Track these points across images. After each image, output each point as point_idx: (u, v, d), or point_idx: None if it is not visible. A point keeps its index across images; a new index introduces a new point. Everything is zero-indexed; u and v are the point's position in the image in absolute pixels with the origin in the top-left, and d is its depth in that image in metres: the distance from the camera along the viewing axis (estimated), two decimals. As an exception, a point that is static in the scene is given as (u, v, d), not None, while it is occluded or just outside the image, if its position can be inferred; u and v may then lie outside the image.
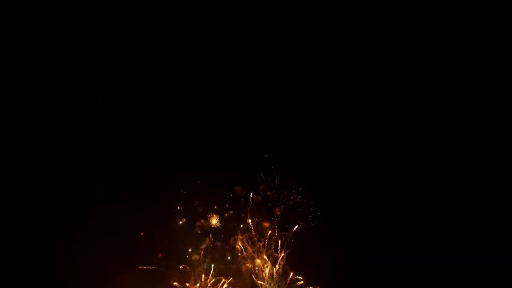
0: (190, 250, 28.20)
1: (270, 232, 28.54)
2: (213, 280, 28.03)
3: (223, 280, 28.05)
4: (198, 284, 27.95)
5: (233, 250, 28.54)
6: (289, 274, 28.38)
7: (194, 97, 30.81)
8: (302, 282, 28.27)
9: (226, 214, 28.65)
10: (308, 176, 29.17)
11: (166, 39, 30.11)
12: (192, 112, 30.82)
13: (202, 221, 28.38)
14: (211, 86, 30.86)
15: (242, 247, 28.46)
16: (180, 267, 28.05)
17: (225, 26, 30.01)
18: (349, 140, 30.91)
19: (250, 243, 28.47)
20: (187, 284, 27.92)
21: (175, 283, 27.90)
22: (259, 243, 28.42)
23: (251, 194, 28.67)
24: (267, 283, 28.32)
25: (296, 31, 30.47)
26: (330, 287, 28.74)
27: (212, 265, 28.13)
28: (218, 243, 28.46)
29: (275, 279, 28.31)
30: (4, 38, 28.81)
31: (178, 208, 28.58)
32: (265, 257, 28.38)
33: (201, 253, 28.12)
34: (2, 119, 29.18)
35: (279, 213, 28.76)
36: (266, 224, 28.65)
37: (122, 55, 30.08)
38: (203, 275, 28.04)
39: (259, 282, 28.33)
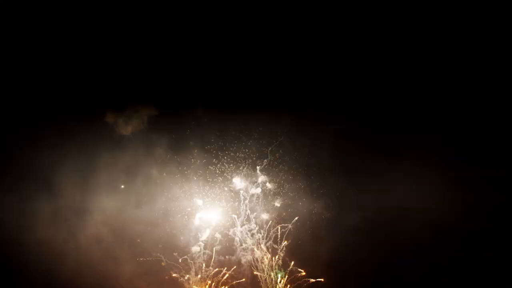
0: (190, 242, 28.51)
1: (269, 223, 28.93)
2: (214, 271, 28.37)
3: (223, 271, 28.37)
4: (199, 276, 28.24)
5: (232, 241, 28.86)
6: (289, 265, 28.66)
7: (194, 97, 31.12)
8: (304, 273, 28.58)
9: (226, 206, 29.03)
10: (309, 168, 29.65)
11: (166, 38, 30.63)
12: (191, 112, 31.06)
13: (203, 212, 28.77)
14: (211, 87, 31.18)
15: (242, 239, 28.81)
16: (180, 260, 28.34)
17: (224, 26, 30.61)
18: (349, 136, 31.00)
19: (249, 235, 28.83)
20: (187, 276, 28.22)
21: (175, 275, 28.17)
22: (258, 234, 28.79)
23: (251, 185, 29.15)
24: (267, 274, 28.58)
25: (296, 31, 30.85)
26: (331, 279, 28.85)
27: (213, 257, 28.44)
28: (218, 235, 28.77)
29: (274, 270, 28.57)
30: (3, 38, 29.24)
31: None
32: (264, 248, 28.72)
33: (202, 245, 28.47)
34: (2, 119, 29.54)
35: (278, 205, 29.18)
36: (265, 216, 29.02)
37: (122, 55, 30.48)
38: (203, 267, 28.34)
39: (258, 273, 28.61)
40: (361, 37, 30.21)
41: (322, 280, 28.38)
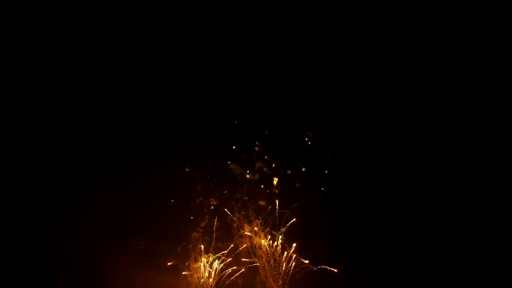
0: (189, 228, 28.72)
1: (268, 210, 29.08)
2: (213, 257, 28.26)
3: (222, 258, 28.25)
4: (199, 262, 28.13)
5: (230, 228, 28.95)
6: (287, 251, 28.46)
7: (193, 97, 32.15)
8: (307, 262, 28.37)
9: (224, 192, 29.41)
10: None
11: (164, 39, 32.09)
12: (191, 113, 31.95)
13: (201, 199, 29.17)
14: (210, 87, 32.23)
15: (240, 226, 28.90)
16: (179, 248, 28.42)
17: (224, 26, 31.30)
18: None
19: (247, 221, 28.94)
20: (186, 263, 28.15)
21: (170, 263, 28.15)
22: (256, 221, 28.87)
23: (248, 172, 29.65)
24: (265, 260, 28.35)
25: (296, 31, 31.14)
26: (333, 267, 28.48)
27: (212, 243, 28.46)
28: (217, 222, 28.93)
29: (273, 257, 28.35)
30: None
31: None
32: (262, 235, 28.68)
33: (201, 232, 28.60)
34: (3, 119, 30.15)
35: (277, 191, 29.47)
36: (262, 203, 29.24)
37: (121, 56, 31.60)
38: (202, 253, 28.29)
39: (256, 259, 28.41)
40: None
41: (335, 270, 28.01)
